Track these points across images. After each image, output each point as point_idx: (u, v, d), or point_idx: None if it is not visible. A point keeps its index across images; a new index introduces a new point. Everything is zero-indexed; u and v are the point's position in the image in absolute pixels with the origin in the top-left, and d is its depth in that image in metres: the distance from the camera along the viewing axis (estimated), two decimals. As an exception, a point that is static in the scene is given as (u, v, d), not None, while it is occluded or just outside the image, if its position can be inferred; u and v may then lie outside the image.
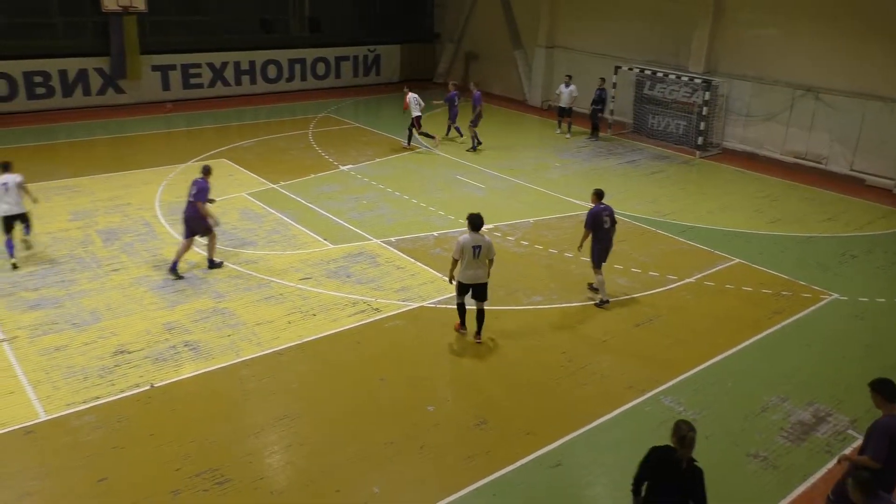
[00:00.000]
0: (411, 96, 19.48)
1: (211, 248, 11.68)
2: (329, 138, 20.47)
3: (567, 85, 21.62)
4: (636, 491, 5.80)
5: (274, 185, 16.00)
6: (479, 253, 9.46)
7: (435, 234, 13.74)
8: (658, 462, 5.61)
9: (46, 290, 10.69)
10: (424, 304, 10.89)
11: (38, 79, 21.51)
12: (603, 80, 21.66)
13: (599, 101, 21.48)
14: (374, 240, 13.25)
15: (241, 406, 8.31)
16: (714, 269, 12.68)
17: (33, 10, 21.94)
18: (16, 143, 18.58)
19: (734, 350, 10.03)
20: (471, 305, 9.87)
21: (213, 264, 11.72)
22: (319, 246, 12.85)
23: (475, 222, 9.57)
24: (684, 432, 5.42)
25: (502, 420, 8.27)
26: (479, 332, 9.92)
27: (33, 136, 19.27)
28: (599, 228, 10.90)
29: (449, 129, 20.94)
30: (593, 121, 21.82)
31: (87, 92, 22.50)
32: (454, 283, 9.73)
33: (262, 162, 17.65)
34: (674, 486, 5.50)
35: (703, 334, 10.45)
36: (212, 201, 11.53)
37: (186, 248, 11.38)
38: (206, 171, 11.60)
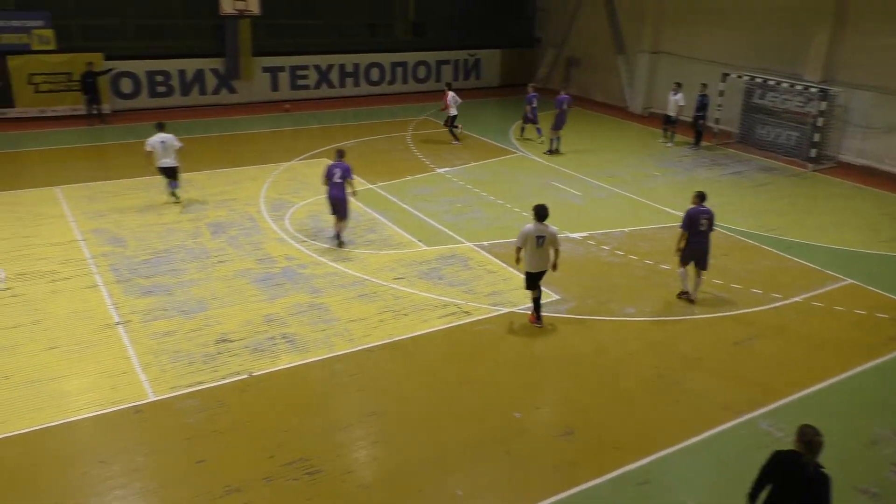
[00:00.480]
0: (451, 95, 20.16)
1: (342, 228, 12.90)
2: (427, 141, 20.75)
3: (675, 93, 21.04)
4: (753, 496, 5.69)
5: (372, 186, 16.38)
6: (542, 242, 9.95)
7: (528, 239, 13.66)
8: (781, 466, 5.46)
9: (159, 278, 11.36)
10: (515, 309, 10.86)
11: (159, 78, 22.92)
12: (704, 85, 20.93)
13: (702, 107, 20.78)
14: (467, 243, 13.33)
15: (332, 400, 8.55)
16: (823, 290, 12.01)
17: (158, 14, 23.39)
18: (139, 137, 19.83)
19: (843, 376, 9.46)
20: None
21: (341, 243, 12.88)
22: (413, 247, 13.05)
23: (540, 213, 10.02)
24: (811, 436, 5.27)
25: (590, 432, 8.14)
26: (539, 317, 10.38)
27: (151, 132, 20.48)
28: (695, 231, 10.88)
29: (523, 130, 21.65)
30: (696, 129, 21.14)
31: (202, 91, 23.77)
32: (523, 274, 10.29)
33: (362, 162, 18.08)
34: (797, 492, 5.31)
35: (808, 357, 9.91)
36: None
37: (341, 225, 12.89)
38: (342, 153, 13.05)
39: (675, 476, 7.53)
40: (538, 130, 20.97)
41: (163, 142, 14.24)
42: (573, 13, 28.33)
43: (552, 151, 19.82)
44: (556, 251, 10.19)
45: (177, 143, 14.46)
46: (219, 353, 9.32)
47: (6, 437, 7.54)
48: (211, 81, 23.86)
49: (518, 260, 10.15)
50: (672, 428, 8.26)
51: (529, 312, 10.56)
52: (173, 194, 14.71)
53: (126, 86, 22.12)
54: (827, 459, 7.79)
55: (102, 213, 13.96)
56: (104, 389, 8.44)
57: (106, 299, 10.58)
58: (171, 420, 8.00)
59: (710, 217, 10.94)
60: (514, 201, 15.78)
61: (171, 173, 14.52)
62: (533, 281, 10.22)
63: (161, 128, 14.49)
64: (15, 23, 20.20)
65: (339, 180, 12.58)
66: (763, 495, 5.49)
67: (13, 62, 20.33)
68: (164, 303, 10.57)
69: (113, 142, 19.47)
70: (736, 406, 8.70)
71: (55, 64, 20.92)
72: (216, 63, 23.78)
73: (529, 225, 10.02)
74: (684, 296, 11.39)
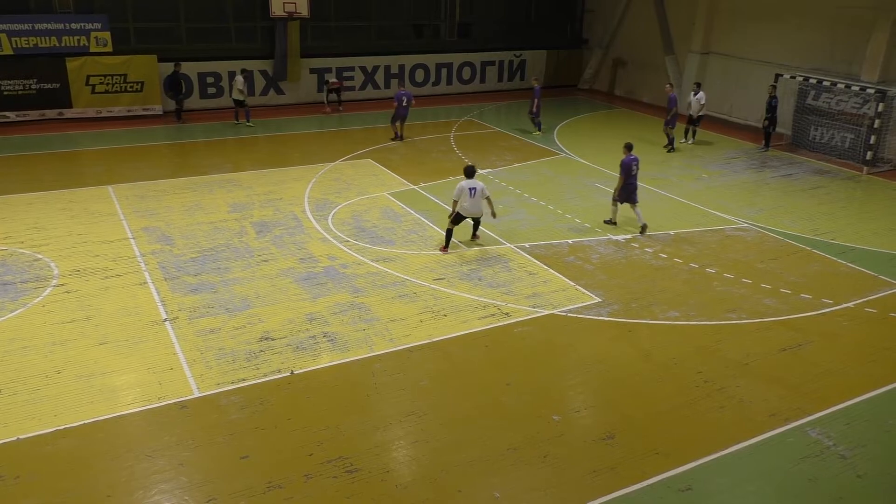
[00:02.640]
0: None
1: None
2: (470, 142, 20.76)
3: (695, 93, 20.97)
4: None
5: (414, 186, 16.45)
6: (474, 194, 12.54)
7: (570, 241, 13.56)
8: None
9: (205, 276, 11.61)
10: (555, 311, 10.78)
11: (210, 79, 23.42)
12: (774, 87, 20.34)
13: (771, 108, 20.15)
14: (508, 244, 13.29)
15: (372, 399, 8.62)
16: (877, 296, 11.62)
17: (210, 16, 23.89)
18: (186, 138, 20.35)
19: (895, 385, 9.13)
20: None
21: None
22: (454, 248, 13.06)
23: (468, 172, 12.84)
24: None
25: (630, 436, 8.03)
26: (475, 234, 13.29)
27: (204, 132, 20.99)
28: (629, 175, 13.89)
29: (535, 122, 22.05)
30: (766, 132, 20.61)
31: (251, 92, 24.17)
32: (452, 215, 12.73)
33: (405, 163, 18.20)
34: None
35: (860, 365, 9.60)
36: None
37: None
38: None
39: (718, 483, 7.37)
40: (539, 125, 22.00)
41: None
42: (622, 13, 27.99)
43: (672, 148, 20.86)
44: (489, 199, 12.73)
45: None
46: (261, 351, 9.47)
47: (59, 430, 7.79)
48: (260, 83, 24.27)
49: (452, 213, 12.59)
50: (716, 434, 8.09)
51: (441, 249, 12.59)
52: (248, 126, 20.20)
53: (164, 88, 22.62)
54: (877, 470, 7.59)
55: (152, 211, 14.33)
56: (151, 385, 8.66)
57: (154, 296, 10.86)
58: (216, 416, 8.16)
59: (638, 162, 13.99)
60: (557, 203, 15.67)
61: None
62: (458, 220, 12.72)
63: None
64: (74, 25, 20.89)
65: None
66: None
67: (71, 64, 21.03)
68: (209, 300, 10.79)
69: (163, 142, 19.99)
70: (783, 413, 8.48)
71: (111, 66, 21.57)
72: (265, 65, 24.19)
73: (462, 182, 12.58)
74: (609, 223, 14.33)
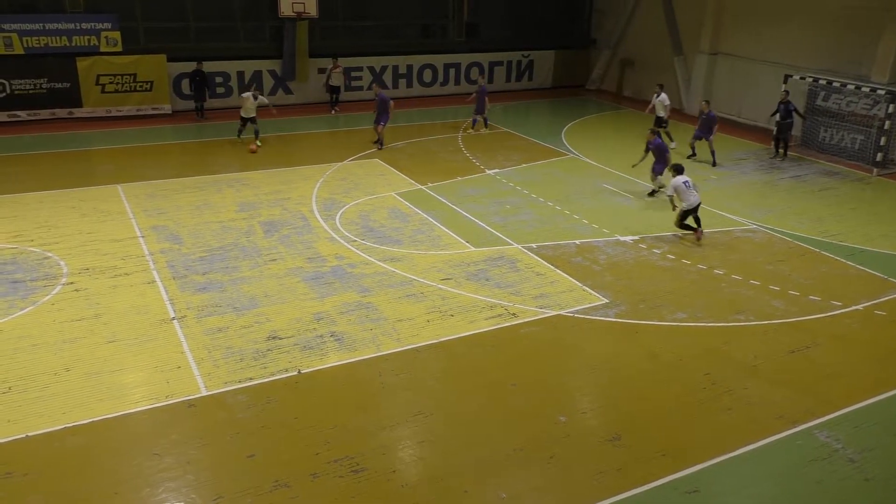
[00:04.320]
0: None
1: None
2: (478, 142, 20.75)
3: (658, 94, 20.61)
4: None
5: (422, 186, 16.46)
6: (690, 185, 13.78)
7: (577, 242, 13.55)
8: None
9: (213, 275, 11.65)
10: (562, 312, 10.77)
11: (219, 79, 23.50)
12: (787, 92, 19.76)
13: (787, 114, 19.47)
14: (516, 245, 13.28)
15: (379, 399, 8.63)
16: (887, 298, 11.55)
17: (219, 16, 23.96)
18: (195, 138, 20.43)
19: (905, 388, 9.09)
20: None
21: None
22: (461, 248, 13.07)
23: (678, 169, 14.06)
24: None
25: (637, 438, 8.01)
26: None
27: (213, 131, 21.06)
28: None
29: (475, 122, 22.09)
30: (783, 139, 19.93)
31: (259, 92, 24.20)
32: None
33: (413, 163, 18.21)
34: None
35: (869, 367, 9.55)
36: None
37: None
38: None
39: (725, 485, 7.35)
40: (479, 121, 22.11)
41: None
42: (630, 14, 27.92)
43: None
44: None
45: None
46: (269, 350, 9.50)
47: (69, 427, 7.84)
48: (268, 82, 24.33)
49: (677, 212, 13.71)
50: (723, 436, 8.07)
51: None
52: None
53: (186, 87, 22.73)
54: (886, 474, 7.55)
55: (161, 210, 14.40)
56: (159, 383, 8.70)
57: (162, 295, 10.91)
58: (223, 415, 8.19)
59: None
60: (564, 203, 15.65)
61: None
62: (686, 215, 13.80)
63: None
64: (84, 25, 20.99)
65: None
66: None
67: (82, 63, 21.15)
68: (217, 299, 10.83)
69: (172, 141, 20.08)
70: (791, 415, 8.44)
71: (121, 65, 21.67)
72: (274, 65, 24.26)
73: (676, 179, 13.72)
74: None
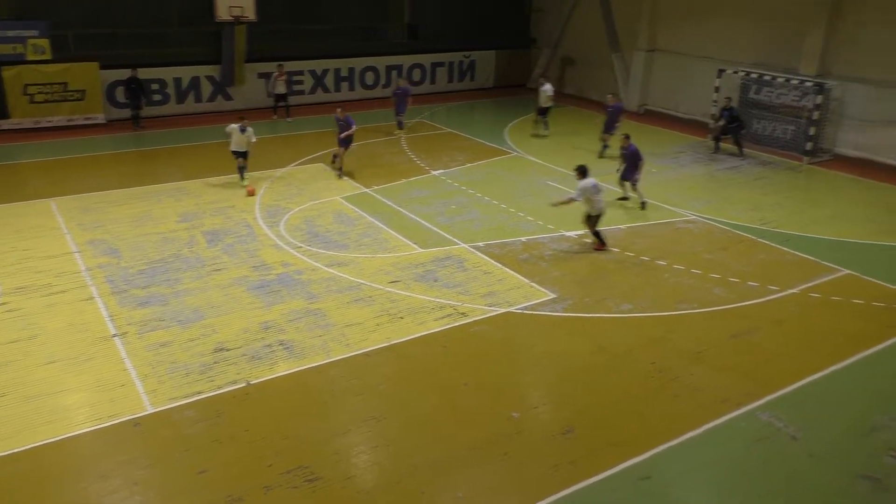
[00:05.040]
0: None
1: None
2: (422, 143, 20.76)
3: (542, 85, 21.67)
4: None
5: (367, 190, 16.38)
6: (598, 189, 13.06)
7: (523, 239, 13.67)
8: None
9: (155, 288, 11.35)
10: (511, 309, 10.86)
11: (155, 86, 22.91)
12: (729, 98, 20.08)
13: (732, 119, 19.78)
14: (463, 244, 13.33)
15: (331, 405, 8.54)
16: (820, 281, 12.00)
17: (153, 21, 23.36)
18: (132, 147, 19.86)
19: (841, 365, 9.47)
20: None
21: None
22: (409, 250, 13.05)
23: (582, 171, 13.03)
24: None
25: (589, 430, 8.13)
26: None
27: (150, 140, 20.52)
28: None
29: (400, 124, 22.04)
30: (732, 139, 20.19)
31: (198, 98, 23.77)
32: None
33: (357, 166, 18.07)
34: None
35: (807, 348, 9.91)
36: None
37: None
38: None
39: (676, 470, 7.52)
40: (401, 123, 22.07)
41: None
42: (569, 13, 28.33)
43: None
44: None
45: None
46: (216, 363, 9.31)
47: (8, 455, 7.51)
48: (207, 88, 23.86)
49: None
50: (672, 423, 8.25)
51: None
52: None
53: (121, 95, 22.09)
54: (827, 448, 7.84)
55: (98, 223, 13.94)
56: (103, 403, 8.43)
57: (102, 311, 10.56)
58: (170, 431, 7.99)
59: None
60: (510, 202, 15.78)
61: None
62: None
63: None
64: (10, 33, 20.13)
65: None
66: None
67: (7, 73, 20.27)
68: (160, 313, 10.56)
69: (107, 152, 19.45)
70: (735, 399, 8.69)
71: (50, 74, 20.87)
72: (212, 70, 23.79)
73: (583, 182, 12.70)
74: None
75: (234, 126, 16.31)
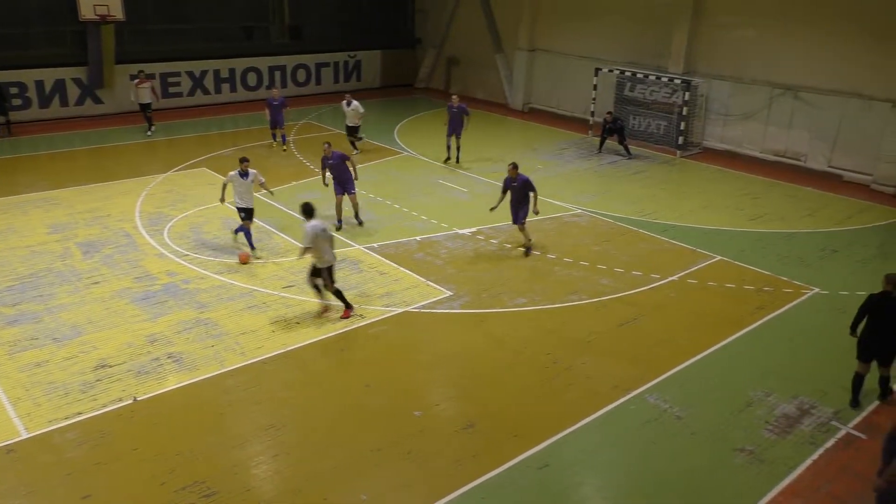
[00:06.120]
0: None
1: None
2: (310, 145, 20.40)
3: (349, 103, 19.10)
4: (854, 327, 8.53)
5: (255, 193, 15.86)
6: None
7: (417, 238, 13.73)
8: (876, 302, 8.31)
9: (25, 305, 10.55)
10: (409, 308, 10.87)
11: (13, 90, 21.27)
12: (610, 112, 20.49)
13: (619, 129, 20.24)
14: (357, 246, 13.22)
15: (227, 417, 8.24)
16: (696, 267, 12.76)
17: (11, 21, 21.67)
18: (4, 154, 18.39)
19: (718, 346, 10.10)
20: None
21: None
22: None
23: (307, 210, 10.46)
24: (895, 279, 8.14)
25: (489, 423, 8.26)
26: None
27: (12, 147, 19.04)
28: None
29: (283, 139, 20.03)
30: (623, 146, 20.45)
31: (64, 102, 22.31)
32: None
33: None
34: (890, 317, 8.22)
35: (687, 332, 10.51)
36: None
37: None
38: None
39: (572, 456, 7.78)
40: (283, 137, 20.08)
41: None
42: (451, 14, 28.67)
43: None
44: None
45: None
46: (98, 381, 8.77)
47: None
48: (74, 92, 22.42)
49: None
50: (567, 411, 8.53)
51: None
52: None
53: (-26, 100, 20.40)
54: (707, 426, 8.34)
55: (-44, 239, 12.82)
56: (-31, 431, 7.75)
57: (-35, 333, 9.71)
58: (50, 456, 7.45)
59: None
60: (403, 201, 15.80)
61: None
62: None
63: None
64: None
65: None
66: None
67: None
68: (32, 332, 9.82)
69: (-36, 161, 17.93)
70: (625, 384, 9.10)
71: None
72: (79, 72, 22.37)
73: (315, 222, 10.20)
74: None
75: (233, 173, 12.43)
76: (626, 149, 20.51)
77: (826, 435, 8.22)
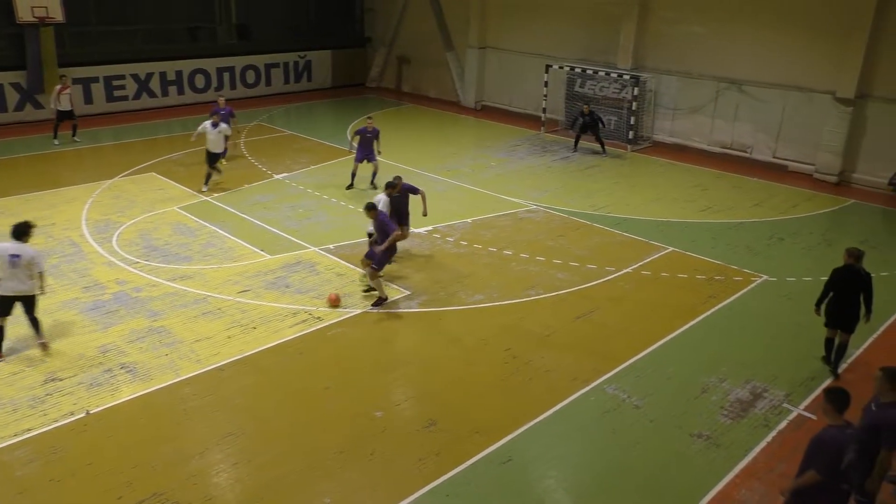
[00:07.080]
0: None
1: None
2: (261, 147, 20.14)
3: (215, 125, 15.84)
4: (820, 303, 9.14)
5: (206, 198, 15.63)
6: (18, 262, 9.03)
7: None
8: (842, 275, 8.88)
9: (-32, 320, 10.15)
10: (367, 309, 10.82)
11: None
12: (587, 105, 20.38)
13: (594, 123, 19.97)
14: (313, 248, 13.10)
15: (184, 426, 8.08)
16: (649, 259, 13.00)
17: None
18: (-73, 166, 17.65)
19: (672, 336, 10.31)
20: None
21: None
22: (256, 257, 12.62)
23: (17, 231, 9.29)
24: (857, 251, 8.83)
25: (451, 421, 8.28)
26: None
27: (-54, 158, 18.34)
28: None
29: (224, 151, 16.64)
30: (594, 138, 20.35)
31: (2, 108, 21.56)
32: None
33: (193, 174, 17.17)
34: (855, 289, 8.82)
35: (642, 322, 10.70)
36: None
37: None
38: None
39: (534, 450, 7.84)
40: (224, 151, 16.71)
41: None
42: (401, 12, 28.61)
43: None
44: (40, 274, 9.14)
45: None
46: (48, 395, 8.50)
47: None
48: (13, 97, 21.68)
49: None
50: (528, 405, 8.60)
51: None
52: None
53: None
54: (664, 413, 8.51)
55: None
56: (-89, 452, 7.44)
57: None
58: (-2, 475, 7.21)
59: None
60: (357, 202, 15.69)
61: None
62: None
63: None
64: None
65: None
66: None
67: None
68: (-24, 346, 9.46)
69: None
70: (583, 376, 9.21)
71: None
72: (17, 76, 21.63)
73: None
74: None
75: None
76: (602, 145, 20.34)
77: (779, 417, 8.47)
